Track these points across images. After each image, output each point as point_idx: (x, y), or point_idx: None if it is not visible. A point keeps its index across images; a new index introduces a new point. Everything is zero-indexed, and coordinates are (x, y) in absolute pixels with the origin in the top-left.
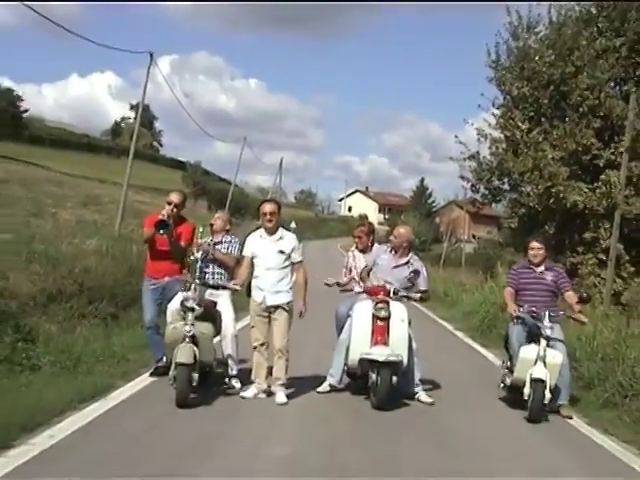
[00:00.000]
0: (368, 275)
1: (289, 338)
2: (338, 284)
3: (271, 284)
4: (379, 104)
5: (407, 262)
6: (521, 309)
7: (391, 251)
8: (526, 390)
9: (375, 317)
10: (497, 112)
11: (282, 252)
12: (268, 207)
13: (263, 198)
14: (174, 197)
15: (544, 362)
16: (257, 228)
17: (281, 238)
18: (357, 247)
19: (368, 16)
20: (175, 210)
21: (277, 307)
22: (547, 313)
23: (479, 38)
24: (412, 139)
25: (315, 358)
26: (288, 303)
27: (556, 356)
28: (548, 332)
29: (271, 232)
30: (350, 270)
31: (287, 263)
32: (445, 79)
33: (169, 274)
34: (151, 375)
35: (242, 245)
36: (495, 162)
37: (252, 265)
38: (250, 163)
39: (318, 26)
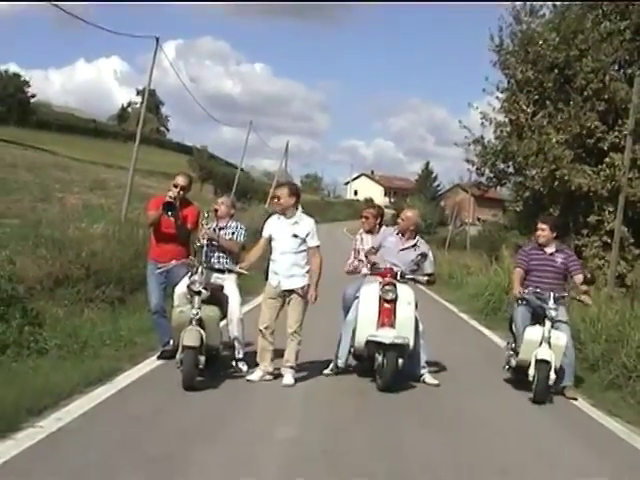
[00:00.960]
0: (375, 254)
1: (302, 322)
2: (354, 271)
3: (286, 268)
4: (384, 88)
5: (414, 245)
6: (525, 291)
7: (398, 234)
8: (531, 371)
9: (382, 299)
10: (501, 96)
11: (296, 236)
12: (277, 191)
13: (269, 182)
14: (180, 180)
15: (549, 343)
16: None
17: (297, 222)
18: (364, 228)
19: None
20: (181, 193)
21: (291, 291)
22: (552, 294)
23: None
24: (417, 123)
25: (323, 341)
26: (303, 287)
27: (560, 337)
28: (553, 313)
29: (287, 215)
30: (358, 252)
31: (302, 247)
32: (450, 63)
33: (175, 257)
34: (158, 358)
35: (247, 231)
36: (500, 145)
37: (270, 248)
38: (256, 147)
39: (321, 13)
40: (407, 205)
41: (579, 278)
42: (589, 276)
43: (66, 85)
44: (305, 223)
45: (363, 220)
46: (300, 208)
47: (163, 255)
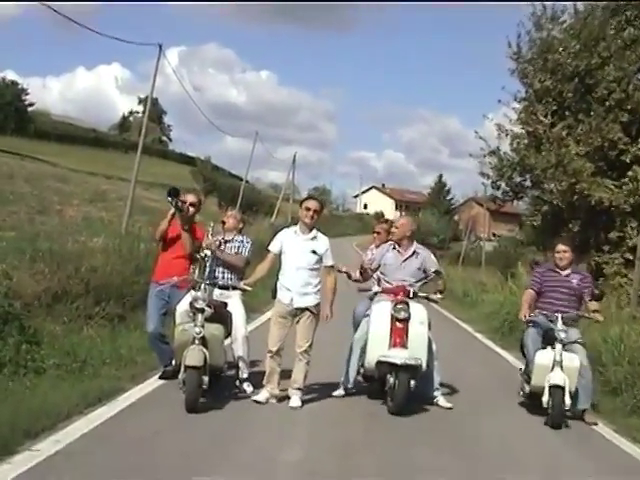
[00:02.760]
0: (371, 270)
1: (312, 342)
2: (349, 276)
3: (300, 285)
4: (393, 97)
5: (414, 253)
6: (532, 314)
7: (394, 247)
8: (545, 398)
9: (394, 318)
10: (518, 106)
11: (314, 252)
12: (312, 203)
13: (276, 194)
14: (190, 197)
15: (561, 367)
16: (291, 225)
17: (315, 238)
18: (375, 244)
19: (379, 10)
20: (191, 209)
21: (304, 309)
22: (560, 316)
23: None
24: (429, 134)
25: (332, 360)
26: (316, 306)
27: (573, 359)
28: (562, 335)
29: (307, 230)
30: (361, 274)
31: (317, 265)
32: (463, 72)
33: (179, 274)
34: (160, 378)
35: (253, 245)
36: (517, 158)
37: (279, 264)
38: (262, 158)
39: (328, 17)
40: (420, 219)
41: (588, 296)
42: (597, 292)
43: (65, 93)
44: (322, 240)
45: (375, 235)
46: None
47: (168, 270)
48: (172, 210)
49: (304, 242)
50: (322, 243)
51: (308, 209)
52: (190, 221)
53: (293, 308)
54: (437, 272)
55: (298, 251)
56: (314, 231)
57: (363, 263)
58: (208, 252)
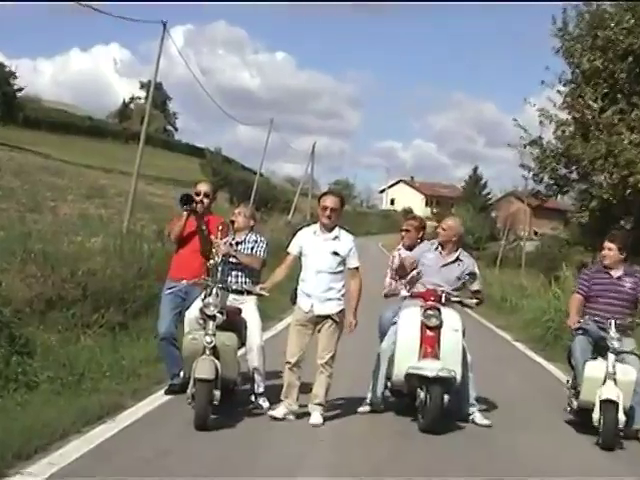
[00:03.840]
0: (405, 271)
1: (335, 353)
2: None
3: (321, 290)
4: (425, 82)
5: (456, 259)
6: (582, 320)
7: (437, 248)
8: (595, 415)
9: (424, 326)
10: (564, 89)
11: (336, 254)
12: (330, 201)
13: (293, 189)
14: (203, 186)
15: (614, 380)
16: (310, 223)
17: (337, 238)
18: (403, 243)
19: None
20: (205, 202)
21: (326, 317)
22: (613, 322)
23: (542, 2)
24: (463, 122)
25: (356, 373)
26: (339, 313)
27: (628, 372)
28: (616, 344)
29: (327, 229)
30: (396, 272)
31: (341, 267)
32: (501, 52)
33: (196, 275)
34: (166, 393)
35: (269, 245)
36: (562, 148)
37: (299, 267)
38: (277, 149)
39: None
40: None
41: None
42: None
43: (58, 77)
44: (346, 240)
45: (403, 234)
46: None
47: (182, 270)
48: (186, 213)
49: (324, 243)
50: (345, 243)
51: (325, 208)
52: (205, 214)
53: (314, 315)
54: (476, 291)
55: (318, 253)
56: (336, 230)
57: (404, 261)
58: (218, 259)
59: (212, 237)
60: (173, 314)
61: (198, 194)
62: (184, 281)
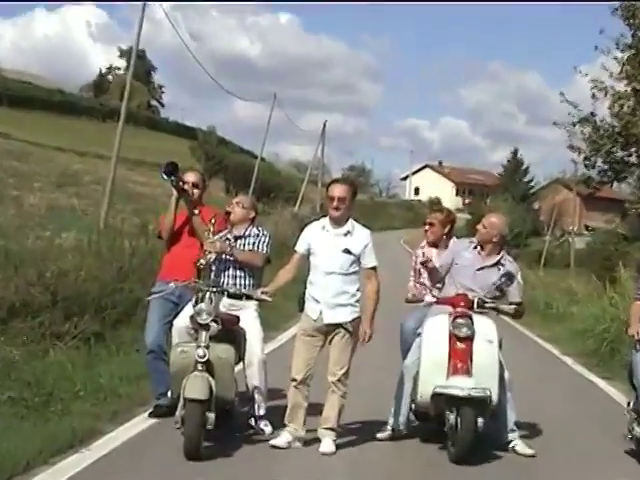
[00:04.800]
0: (438, 274)
1: (349, 369)
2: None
3: (331, 294)
4: (456, 49)
5: (497, 263)
6: None
7: (475, 248)
8: None
9: (454, 336)
10: (622, 56)
11: (348, 252)
12: (338, 190)
13: (300, 176)
14: (190, 176)
15: None
16: (321, 216)
17: (349, 233)
18: (427, 239)
19: None
20: (195, 192)
21: (337, 326)
22: None
23: None
24: (501, 96)
25: (374, 392)
26: (353, 321)
27: None
28: None
29: (338, 224)
30: (420, 273)
31: (355, 268)
32: (546, 13)
33: (191, 274)
34: (150, 416)
35: (272, 239)
36: (618, 126)
37: (307, 268)
38: (282, 129)
39: None
40: (487, 207)
41: None
42: None
43: (20, 42)
44: (360, 235)
45: (427, 228)
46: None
47: (175, 270)
48: (174, 195)
49: (335, 239)
50: (359, 239)
51: (332, 198)
52: (197, 204)
53: (323, 324)
54: (517, 303)
55: (328, 251)
56: (348, 224)
57: (431, 261)
58: (210, 257)
59: (203, 227)
60: (163, 323)
61: (185, 184)
62: (172, 283)
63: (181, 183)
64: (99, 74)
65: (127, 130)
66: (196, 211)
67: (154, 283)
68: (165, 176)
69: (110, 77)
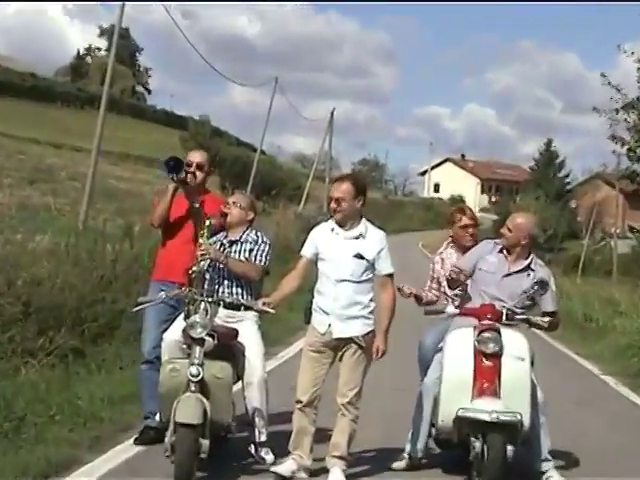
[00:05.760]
0: (459, 282)
1: (361, 389)
2: (417, 298)
3: (342, 305)
4: (482, 27)
5: (526, 268)
6: None
7: (501, 251)
8: None
9: (479, 353)
10: None
11: (361, 257)
12: (335, 189)
13: (305, 171)
14: (195, 156)
15: None
16: (329, 217)
17: (361, 236)
18: (464, 242)
19: None
20: (198, 175)
21: (348, 341)
22: None
23: None
24: (533, 79)
25: (390, 415)
26: (365, 335)
27: None
28: None
29: (347, 225)
30: (438, 281)
31: (368, 275)
32: None
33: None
34: (136, 442)
35: (272, 247)
36: None
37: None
38: (284, 118)
39: None
40: (516, 206)
41: None
42: None
43: None
44: (374, 238)
45: (469, 231)
46: (362, 215)
47: (171, 270)
48: (173, 184)
49: (345, 243)
50: (373, 243)
51: (330, 199)
52: (199, 192)
53: (332, 339)
54: (551, 313)
55: (338, 256)
56: (361, 225)
57: (457, 267)
58: (203, 265)
59: (201, 231)
60: (161, 329)
61: (189, 165)
62: (162, 293)
63: (184, 174)
64: (77, 56)
65: (109, 119)
66: (197, 204)
67: (133, 294)
68: (169, 174)
69: (89, 59)
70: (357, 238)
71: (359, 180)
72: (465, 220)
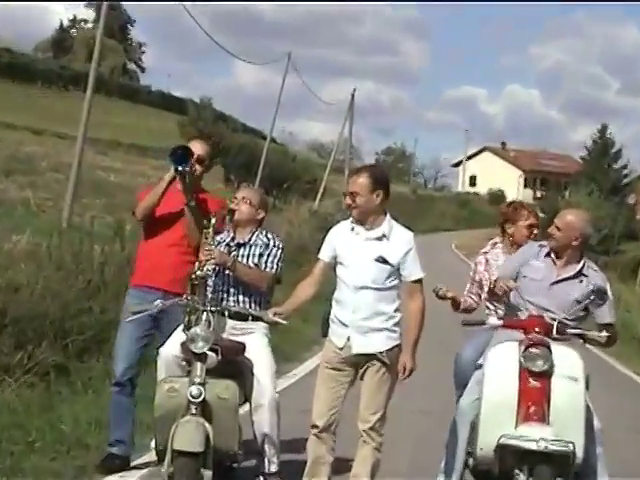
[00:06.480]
0: (503, 291)
1: (385, 413)
2: (454, 303)
3: (363, 316)
4: None
5: (578, 274)
6: None
7: (548, 255)
8: None
9: (526, 371)
10: None
11: (383, 261)
12: (351, 183)
13: (323, 161)
14: (197, 146)
15: None
16: (349, 215)
17: (384, 237)
18: (510, 240)
19: None
20: (197, 168)
21: (370, 357)
22: None
23: None
24: (585, 56)
25: (417, 442)
26: (390, 351)
27: None
28: None
29: (367, 224)
30: (481, 285)
31: (393, 281)
32: None
33: (179, 282)
34: (98, 470)
35: (284, 251)
36: None
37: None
38: (298, 101)
39: None
40: (565, 203)
41: None
42: None
43: None
44: (399, 239)
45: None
46: (387, 212)
47: (156, 274)
48: (171, 173)
49: (366, 244)
50: (398, 244)
51: (344, 195)
52: (196, 189)
53: (352, 354)
54: (607, 326)
55: (358, 260)
56: (385, 224)
57: (494, 283)
58: (207, 270)
59: (199, 223)
60: (138, 347)
61: (191, 155)
62: (158, 301)
63: (189, 167)
64: (59, 28)
65: (97, 101)
66: (193, 202)
67: (126, 291)
68: (178, 166)
69: (74, 32)
70: (380, 239)
71: (377, 171)
72: (532, 219)
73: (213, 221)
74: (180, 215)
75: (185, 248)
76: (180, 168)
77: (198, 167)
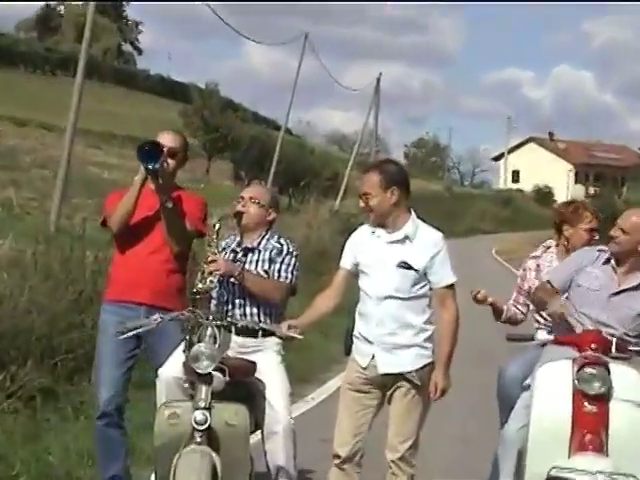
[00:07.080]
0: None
1: (418, 440)
2: (495, 311)
3: (388, 330)
4: None
5: None
6: None
7: (608, 261)
8: None
9: (580, 394)
10: None
11: (407, 266)
12: (367, 180)
13: (345, 154)
14: (166, 139)
15: None
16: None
17: (407, 238)
18: (566, 244)
19: None
20: (168, 163)
21: (398, 377)
22: None
23: None
24: None
25: (452, 474)
26: (420, 370)
27: None
28: None
29: (387, 226)
30: (529, 294)
31: (421, 289)
32: None
33: (159, 296)
34: None
35: (298, 258)
36: None
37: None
38: (316, 86)
39: None
40: (626, 201)
41: None
42: None
43: None
44: (425, 240)
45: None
46: (412, 212)
47: (134, 287)
48: (141, 175)
49: (387, 248)
50: (422, 246)
51: (360, 196)
52: (170, 186)
53: (377, 375)
54: None
55: (379, 266)
56: (409, 224)
57: (536, 291)
58: (212, 282)
59: (208, 238)
60: (122, 371)
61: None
62: (156, 315)
63: (164, 164)
64: (45, 6)
65: (88, 88)
66: (170, 204)
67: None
68: (148, 165)
69: (61, 9)
70: (402, 241)
71: (388, 167)
72: (594, 222)
73: (218, 226)
74: (157, 219)
75: (167, 255)
76: (150, 167)
77: (170, 161)
